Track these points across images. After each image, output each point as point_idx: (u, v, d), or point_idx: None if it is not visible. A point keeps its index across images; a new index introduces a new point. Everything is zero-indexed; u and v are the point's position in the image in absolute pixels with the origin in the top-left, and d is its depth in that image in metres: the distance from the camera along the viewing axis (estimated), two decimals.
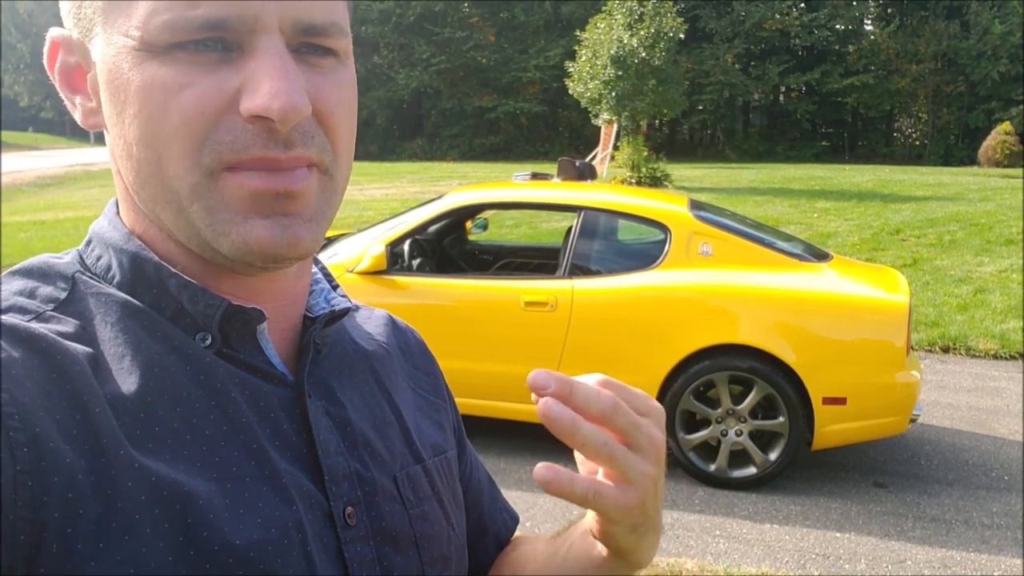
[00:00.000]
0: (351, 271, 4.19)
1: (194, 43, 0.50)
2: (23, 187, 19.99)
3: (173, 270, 0.56)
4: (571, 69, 19.98)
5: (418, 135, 39.00)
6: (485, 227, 5.84)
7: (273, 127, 0.51)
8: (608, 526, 0.57)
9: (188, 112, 0.50)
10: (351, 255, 4.29)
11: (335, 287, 0.69)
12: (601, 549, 0.62)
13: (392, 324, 0.78)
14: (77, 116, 0.57)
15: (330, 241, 4.75)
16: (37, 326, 0.50)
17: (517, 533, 0.84)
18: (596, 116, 19.75)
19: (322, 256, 4.40)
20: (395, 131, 39.36)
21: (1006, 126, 23.70)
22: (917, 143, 35.68)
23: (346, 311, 0.66)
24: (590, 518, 0.61)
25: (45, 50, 0.57)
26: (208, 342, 0.56)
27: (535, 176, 5.46)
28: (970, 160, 27.30)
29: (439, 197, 4.69)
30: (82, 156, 30.66)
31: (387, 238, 4.37)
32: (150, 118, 0.51)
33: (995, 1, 31.73)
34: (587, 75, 19.08)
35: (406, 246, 4.51)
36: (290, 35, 0.52)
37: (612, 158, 18.26)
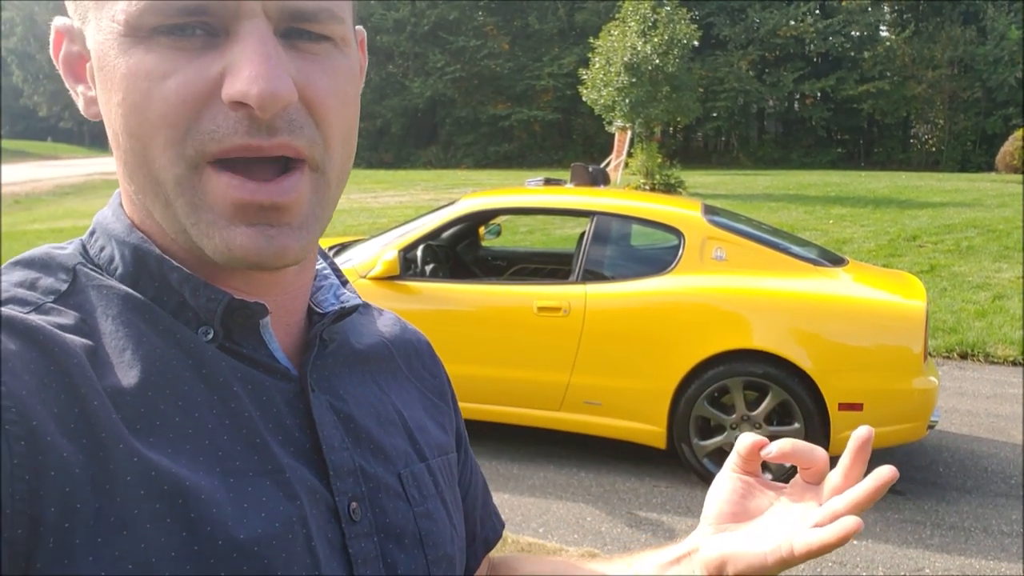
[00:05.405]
0: (364, 276, 4.19)
1: (178, 27, 0.49)
2: (42, 196, 20.22)
3: (175, 263, 0.55)
4: (585, 76, 20.05)
5: (432, 143, 39.16)
6: (498, 233, 5.85)
7: (254, 114, 0.49)
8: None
9: (170, 101, 0.49)
10: (364, 260, 4.30)
11: (344, 283, 0.69)
12: None
13: (400, 325, 0.77)
14: (80, 105, 0.56)
15: (343, 247, 4.76)
16: (35, 318, 0.49)
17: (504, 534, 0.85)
18: (610, 123, 19.79)
19: (335, 262, 4.40)
20: (410, 139, 39.52)
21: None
22: (934, 149, 35.42)
23: (356, 307, 0.65)
24: (714, 553, 0.65)
25: (51, 40, 0.57)
26: (210, 336, 0.55)
27: (548, 182, 5.47)
28: (987, 166, 27.07)
29: (452, 203, 4.69)
30: (100, 165, 30.96)
31: (400, 243, 4.37)
32: (134, 106, 0.50)
33: (1012, 6, 31.53)
34: (601, 82, 19.14)
35: (419, 251, 4.51)
36: (277, 20, 0.50)
37: (626, 165, 18.24)
